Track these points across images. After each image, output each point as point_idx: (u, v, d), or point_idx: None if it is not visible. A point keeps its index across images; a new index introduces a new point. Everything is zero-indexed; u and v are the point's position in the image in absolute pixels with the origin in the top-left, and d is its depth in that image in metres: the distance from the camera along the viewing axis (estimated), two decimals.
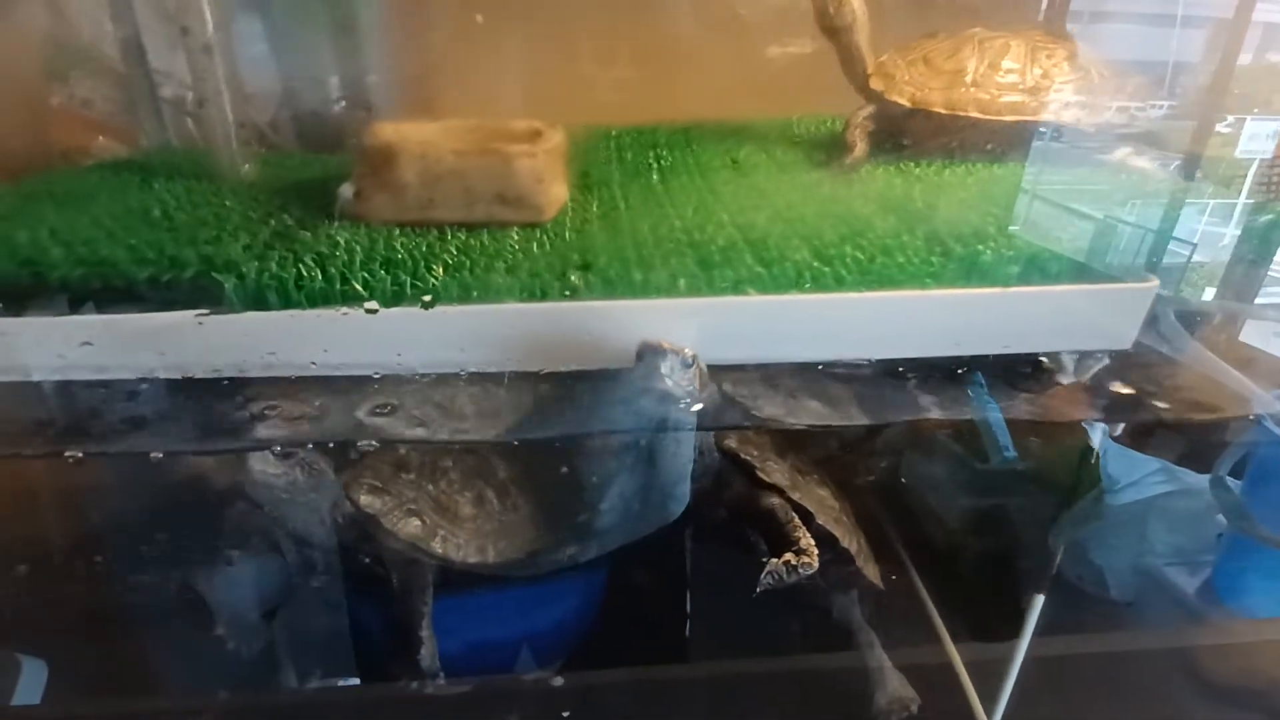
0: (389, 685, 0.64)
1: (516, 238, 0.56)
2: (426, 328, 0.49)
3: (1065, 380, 0.54)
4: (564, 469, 0.60)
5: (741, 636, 0.70)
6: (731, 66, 0.93)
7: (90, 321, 0.48)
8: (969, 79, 0.70)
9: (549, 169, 0.59)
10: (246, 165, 0.71)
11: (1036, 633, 0.69)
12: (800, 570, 0.51)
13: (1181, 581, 0.83)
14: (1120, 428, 0.66)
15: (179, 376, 0.50)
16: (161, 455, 0.48)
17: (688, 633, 0.74)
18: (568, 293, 0.49)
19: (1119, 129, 0.71)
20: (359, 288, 0.49)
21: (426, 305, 0.48)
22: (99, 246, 0.52)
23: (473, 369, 0.51)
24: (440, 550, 0.58)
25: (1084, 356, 0.54)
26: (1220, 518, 0.79)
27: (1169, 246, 0.57)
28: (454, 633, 0.63)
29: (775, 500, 0.57)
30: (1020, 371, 0.53)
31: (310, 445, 0.49)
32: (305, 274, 0.49)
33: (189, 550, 0.69)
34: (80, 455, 0.48)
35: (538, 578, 0.64)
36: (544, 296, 0.50)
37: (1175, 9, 0.77)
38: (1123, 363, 0.55)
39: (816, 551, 0.52)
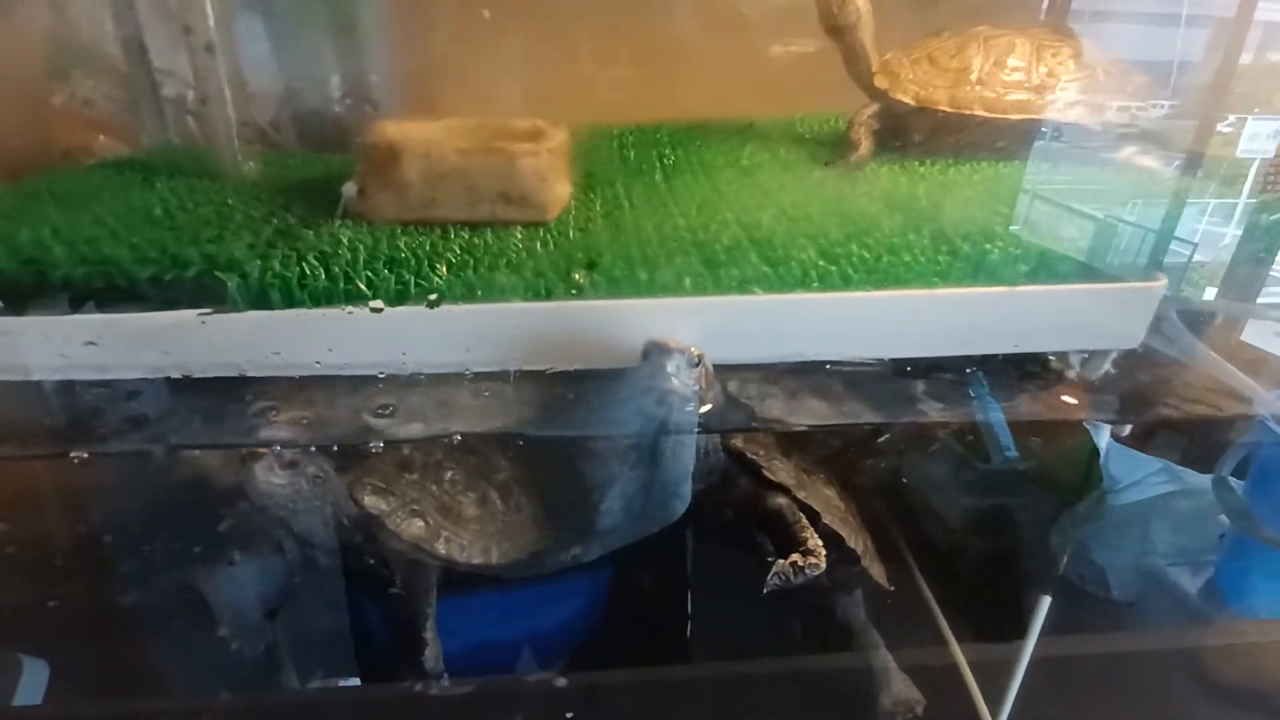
0: (392, 686, 0.64)
1: (520, 237, 0.56)
2: (432, 327, 0.49)
3: (1072, 379, 0.54)
4: (568, 469, 0.60)
5: (745, 637, 0.70)
6: (734, 65, 0.92)
7: (93, 321, 0.48)
8: (974, 77, 0.70)
9: (552, 168, 0.58)
10: (249, 164, 0.70)
11: (1039, 633, 0.69)
12: (807, 571, 0.50)
13: (1183, 582, 0.83)
14: (1125, 428, 0.65)
15: (182, 376, 0.49)
16: (163, 455, 0.48)
17: (689, 633, 0.74)
18: (574, 292, 0.49)
19: (1124, 128, 0.71)
20: (363, 287, 0.49)
21: (432, 304, 0.48)
22: (101, 245, 0.52)
23: (478, 368, 0.51)
24: (444, 551, 0.57)
25: (1091, 356, 0.53)
26: (1223, 518, 0.79)
27: (1172, 246, 0.57)
28: (458, 633, 0.63)
29: (782, 500, 0.57)
30: (1029, 371, 0.53)
31: (314, 448, 0.49)
32: (308, 273, 0.49)
33: (191, 550, 0.69)
34: (85, 456, 0.48)
35: (541, 578, 0.63)
36: (549, 296, 0.49)
37: (1175, 8, 0.77)
38: (1125, 362, 0.55)
39: (824, 552, 0.52)
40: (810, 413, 0.50)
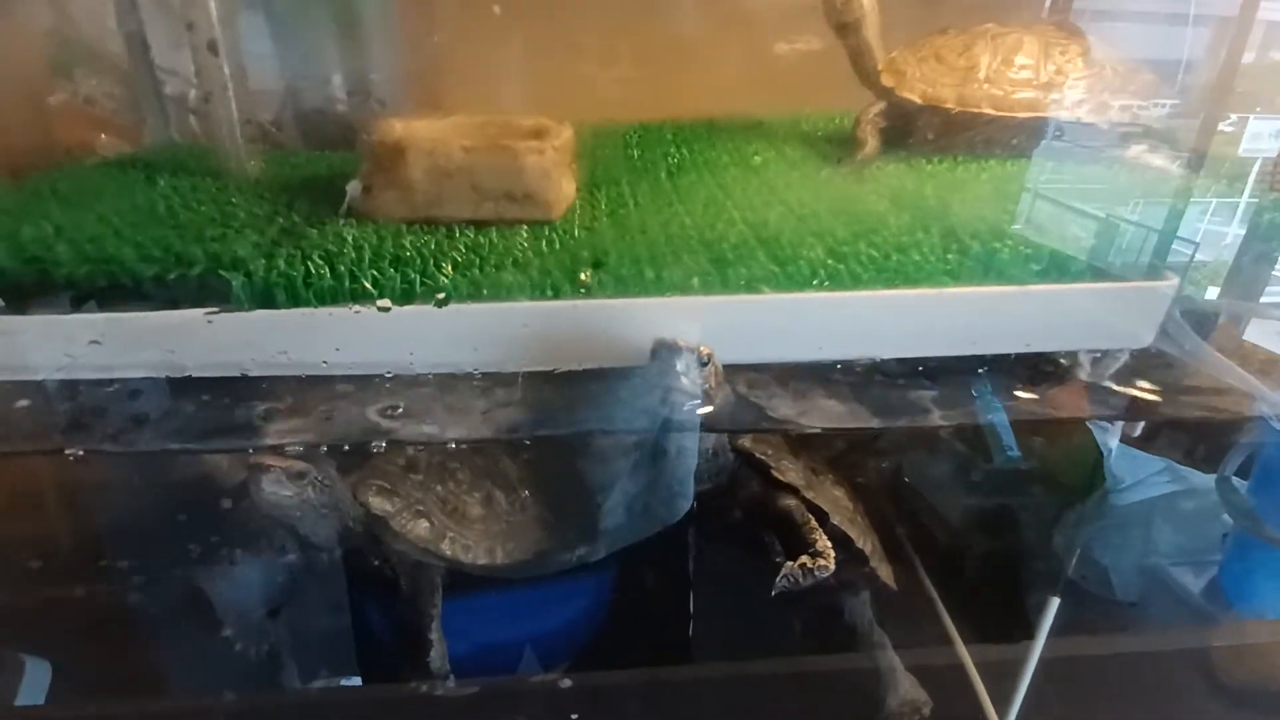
0: (397, 686, 0.64)
1: (525, 235, 0.56)
2: (439, 326, 0.49)
3: (1082, 379, 0.53)
4: (573, 468, 0.59)
5: (751, 637, 0.70)
6: (738, 63, 0.92)
7: (99, 320, 0.48)
8: (982, 75, 0.69)
9: (558, 166, 0.58)
10: (252, 162, 0.70)
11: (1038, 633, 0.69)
12: (816, 573, 0.50)
13: (1187, 581, 0.83)
14: (1128, 427, 0.65)
15: (187, 375, 0.49)
16: (165, 456, 0.47)
17: (694, 633, 0.74)
18: (583, 290, 0.49)
19: (1132, 126, 0.70)
20: (368, 285, 0.48)
21: (440, 303, 0.48)
22: (105, 244, 0.51)
23: (486, 368, 0.51)
24: (449, 552, 0.57)
25: (1102, 355, 0.53)
26: (1226, 517, 0.78)
27: (1178, 244, 0.56)
28: (463, 634, 0.62)
29: (792, 501, 0.56)
30: (1042, 370, 0.52)
31: (325, 448, 0.48)
32: (314, 271, 0.49)
33: (194, 550, 0.68)
34: (81, 453, 0.47)
35: (546, 579, 0.63)
36: (556, 295, 0.49)
37: (1176, 7, 0.77)
38: (1129, 362, 0.55)
39: (833, 554, 0.51)
40: (821, 413, 0.49)
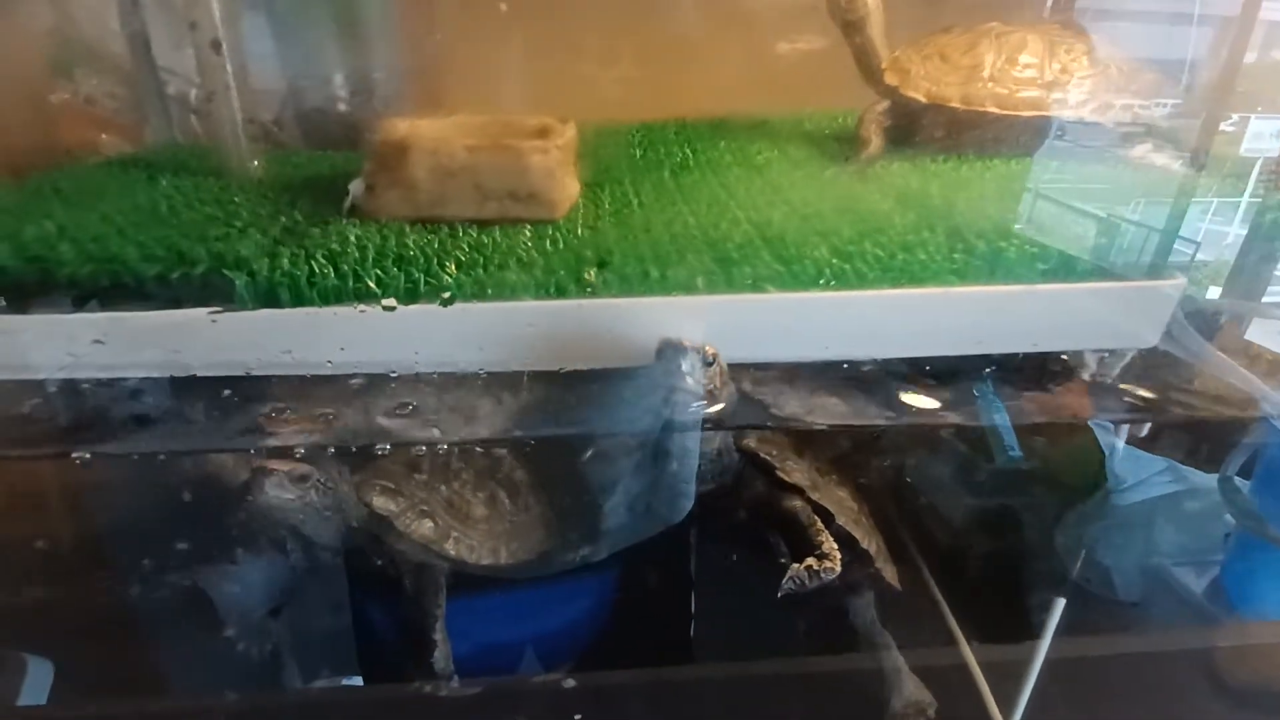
0: (400, 686, 0.64)
1: (529, 235, 0.56)
2: (444, 325, 0.49)
3: (1087, 379, 0.53)
4: (577, 468, 0.59)
5: (756, 638, 0.70)
6: (740, 62, 0.92)
7: (102, 319, 0.48)
8: (986, 74, 0.69)
9: (562, 165, 0.58)
10: (254, 162, 0.70)
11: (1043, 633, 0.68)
12: (823, 575, 0.50)
13: (1189, 581, 0.82)
14: (1129, 427, 0.65)
15: (191, 375, 0.49)
16: (167, 456, 0.47)
17: (698, 634, 0.73)
18: (589, 290, 0.48)
19: (1137, 126, 0.70)
20: (372, 285, 0.48)
21: (445, 302, 0.48)
22: (108, 243, 0.51)
23: (491, 368, 0.50)
24: (453, 552, 0.57)
25: (1108, 355, 0.53)
26: (1228, 517, 0.78)
27: (1180, 244, 0.56)
28: (466, 634, 0.62)
29: (798, 503, 0.56)
30: (1050, 370, 0.52)
31: (332, 449, 0.48)
32: (317, 271, 0.48)
33: (196, 550, 0.68)
34: (88, 456, 0.47)
35: (549, 579, 0.63)
36: (560, 294, 0.49)
37: (1178, 6, 0.76)
38: (1134, 362, 0.55)
39: (839, 556, 0.51)
40: (826, 412, 0.49)
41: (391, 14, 0.92)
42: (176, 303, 0.48)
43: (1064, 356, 0.55)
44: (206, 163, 0.70)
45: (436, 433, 0.48)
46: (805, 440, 0.64)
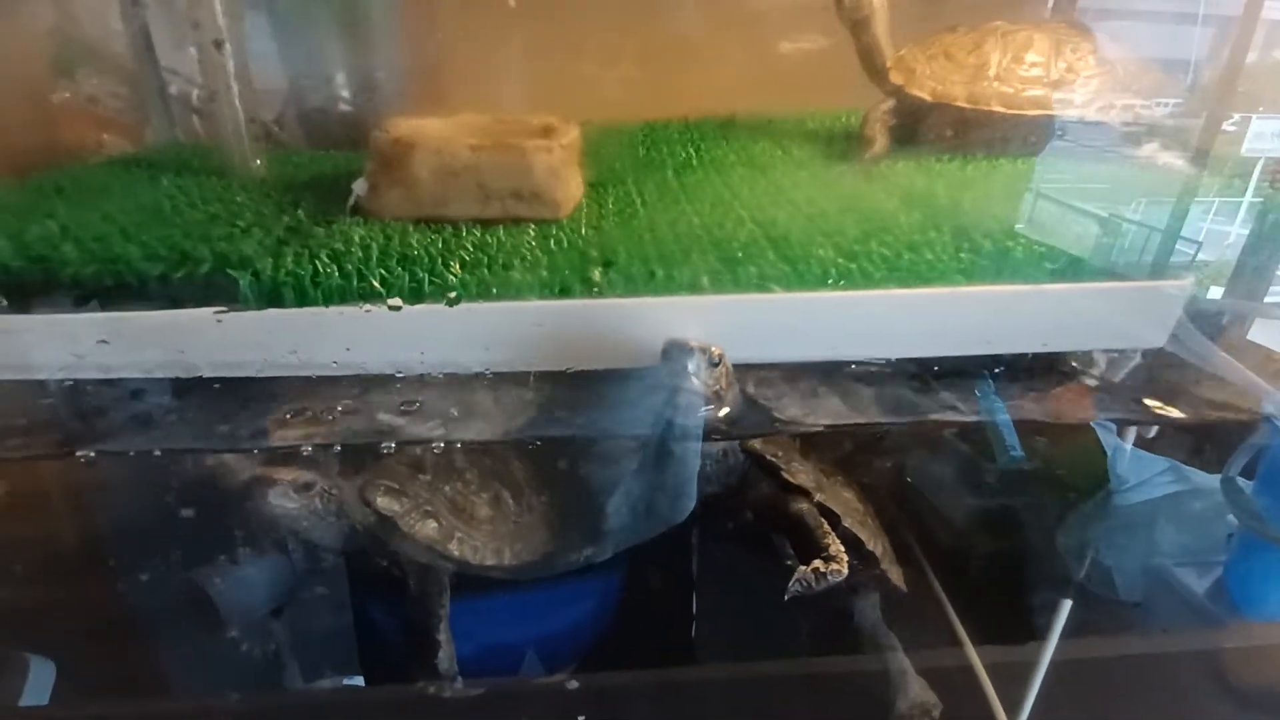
0: (404, 687, 0.63)
1: (533, 234, 0.56)
2: (450, 325, 0.49)
3: (1096, 379, 0.53)
4: (581, 469, 0.59)
5: (759, 639, 0.69)
6: (743, 62, 0.92)
7: (108, 319, 0.47)
8: (992, 73, 0.69)
9: (565, 165, 0.58)
10: (256, 161, 0.70)
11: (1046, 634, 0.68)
12: (830, 578, 0.50)
13: (1190, 582, 0.82)
14: (1151, 429, 0.65)
15: (196, 375, 0.49)
16: (172, 456, 0.47)
17: (703, 636, 0.73)
18: (596, 290, 0.48)
19: (1143, 125, 0.70)
20: (376, 284, 0.48)
21: (452, 302, 0.48)
22: (111, 243, 0.51)
23: (498, 368, 0.50)
24: (457, 552, 0.57)
25: (1118, 356, 0.53)
26: (1231, 518, 0.78)
27: (1182, 244, 0.56)
28: (470, 635, 0.62)
29: (804, 505, 0.56)
30: (1059, 371, 0.52)
31: (338, 446, 0.48)
32: (321, 270, 0.48)
33: (198, 550, 0.68)
34: (92, 455, 0.47)
35: (553, 580, 0.63)
36: (565, 294, 0.49)
37: (1179, 6, 0.76)
38: (1141, 363, 0.55)
39: (846, 558, 0.51)
40: (831, 413, 0.49)
41: (393, 13, 0.92)
42: (177, 303, 0.48)
43: (1073, 362, 0.55)
44: (209, 162, 0.70)
45: (442, 431, 0.47)
46: (808, 440, 0.64)
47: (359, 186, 0.58)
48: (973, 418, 0.52)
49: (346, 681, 0.73)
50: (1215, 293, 0.61)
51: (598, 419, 0.49)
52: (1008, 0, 0.87)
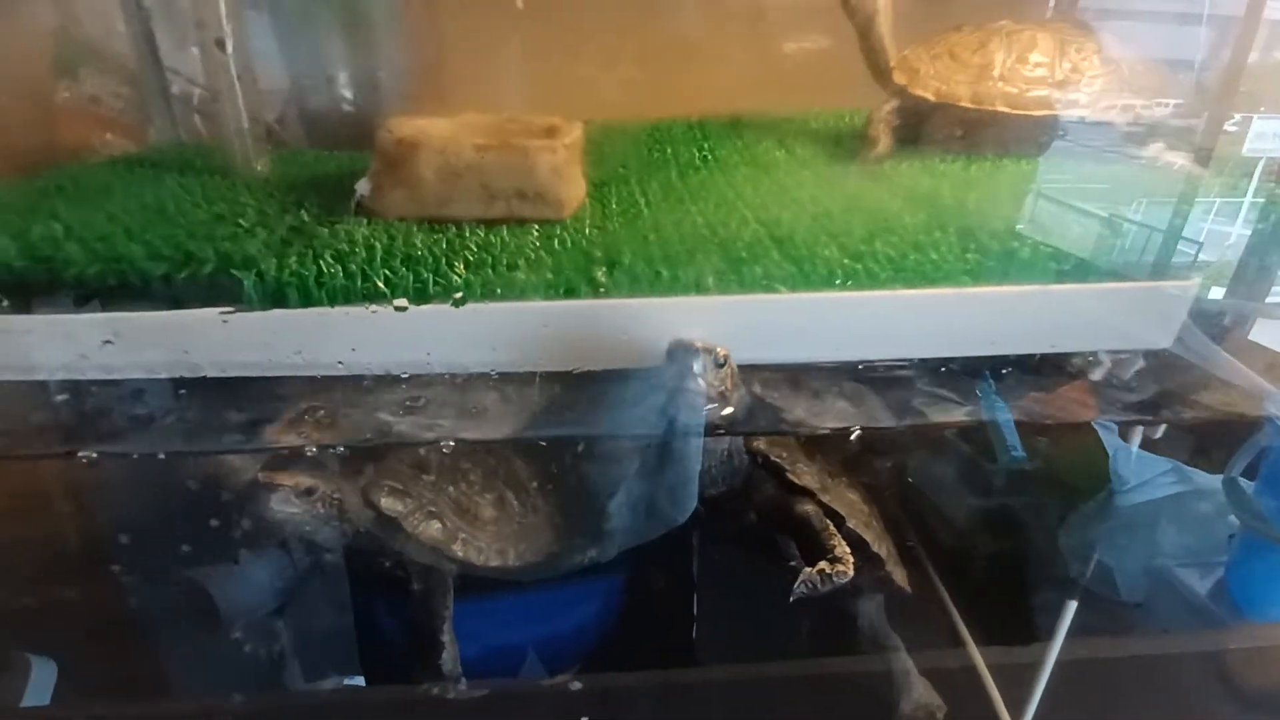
0: (407, 688, 0.63)
1: (537, 234, 0.55)
2: (456, 326, 0.48)
3: (1101, 380, 0.53)
4: (585, 469, 0.59)
5: (764, 641, 0.69)
6: (746, 61, 0.92)
7: (113, 319, 0.47)
8: (996, 73, 0.69)
9: (569, 165, 0.58)
10: (259, 161, 0.70)
11: (1049, 634, 0.68)
12: (835, 579, 0.50)
13: (1192, 582, 0.82)
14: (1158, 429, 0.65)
15: (201, 376, 0.49)
16: (171, 456, 0.47)
17: (708, 637, 0.73)
18: (602, 290, 0.48)
19: (1142, 125, 0.70)
20: (380, 285, 0.48)
21: (458, 303, 0.47)
22: (115, 243, 0.51)
23: (504, 369, 0.50)
24: (461, 554, 0.57)
25: (1124, 357, 0.53)
26: (1233, 519, 0.78)
27: (1183, 244, 0.56)
28: (473, 636, 0.62)
29: (810, 507, 0.56)
30: (1066, 372, 0.52)
31: (342, 447, 0.48)
32: (325, 271, 0.48)
33: (200, 551, 0.68)
34: (94, 456, 0.47)
35: (556, 581, 0.63)
36: (570, 294, 0.49)
37: (1180, 6, 0.76)
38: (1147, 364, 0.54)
39: (852, 560, 0.51)
40: (837, 414, 0.49)
41: (395, 13, 0.92)
42: (179, 303, 0.48)
43: (1079, 363, 0.54)
44: (212, 162, 0.70)
45: (447, 432, 0.47)
46: (813, 441, 0.64)
47: (362, 186, 0.58)
48: (978, 419, 0.52)
49: (347, 682, 0.73)
50: (1215, 293, 0.61)
51: (603, 420, 0.49)
52: (1008, 0, 0.87)
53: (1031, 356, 0.53)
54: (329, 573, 0.67)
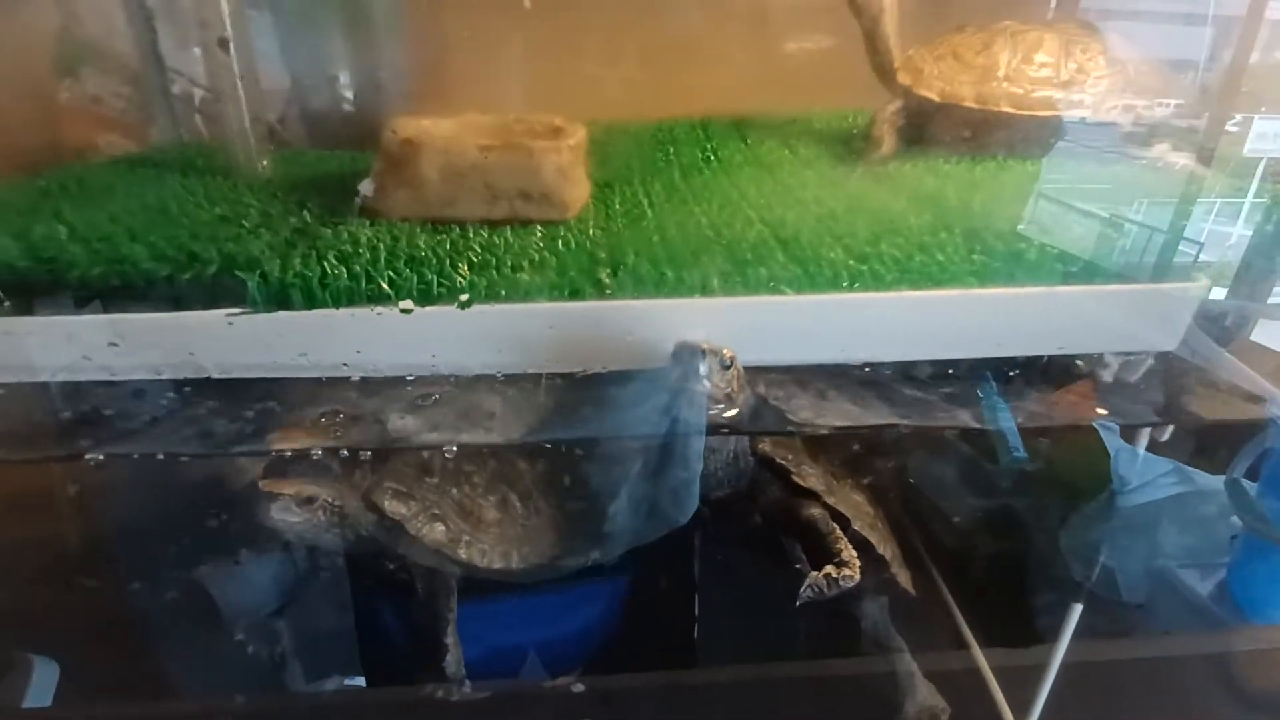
0: (410, 690, 0.63)
1: (540, 235, 0.55)
2: (462, 328, 0.48)
3: (1106, 382, 0.53)
4: (588, 471, 0.59)
5: (768, 643, 0.69)
6: (749, 61, 0.92)
7: (117, 321, 0.47)
8: (1001, 73, 0.69)
9: (573, 165, 0.57)
10: (262, 161, 0.69)
11: (1052, 636, 0.68)
12: (841, 583, 0.49)
13: (1194, 583, 0.82)
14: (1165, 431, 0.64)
15: (205, 377, 0.48)
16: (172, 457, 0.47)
17: (710, 639, 0.73)
18: (607, 291, 0.48)
19: (1145, 125, 0.70)
20: (385, 286, 0.48)
21: (464, 305, 0.47)
22: (118, 244, 0.51)
23: (509, 370, 0.50)
24: (465, 556, 0.56)
25: (1131, 359, 0.52)
26: (1235, 520, 0.78)
27: (1192, 246, 0.56)
28: (476, 638, 0.62)
29: (816, 510, 0.56)
30: (1073, 374, 0.52)
31: (346, 450, 0.48)
32: (329, 272, 0.48)
33: (201, 551, 0.68)
34: (100, 458, 0.47)
35: (559, 582, 0.62)
36: (575, 296, 0.49)
37: (1181, 6, 0.76)
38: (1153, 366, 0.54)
39: (858, 564, 0.51)
40: (843, 415, 0.49)
41: (397, 13, 0.92)
42: (181, 304, 0.48)
43: (1086, 366, 0.54)
44: (214, 162, 0.70)
45: (453, 434, 0.47)
46: (817, 443, 0.64)
47: (365, 187, 0.58)
48: (984, 421, 0.52)
49: (348, 682, 0.73)
50: (1216, 294, 0.61)
51: (609, 421, 0.49)
52: (1010, 1, 0.86)
53: (1039, 359, 0.52)
54: (331, 574, 0.67)
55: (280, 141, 0.85)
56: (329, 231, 0.55)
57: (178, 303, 0.48)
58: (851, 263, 0.51)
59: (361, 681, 0.72)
